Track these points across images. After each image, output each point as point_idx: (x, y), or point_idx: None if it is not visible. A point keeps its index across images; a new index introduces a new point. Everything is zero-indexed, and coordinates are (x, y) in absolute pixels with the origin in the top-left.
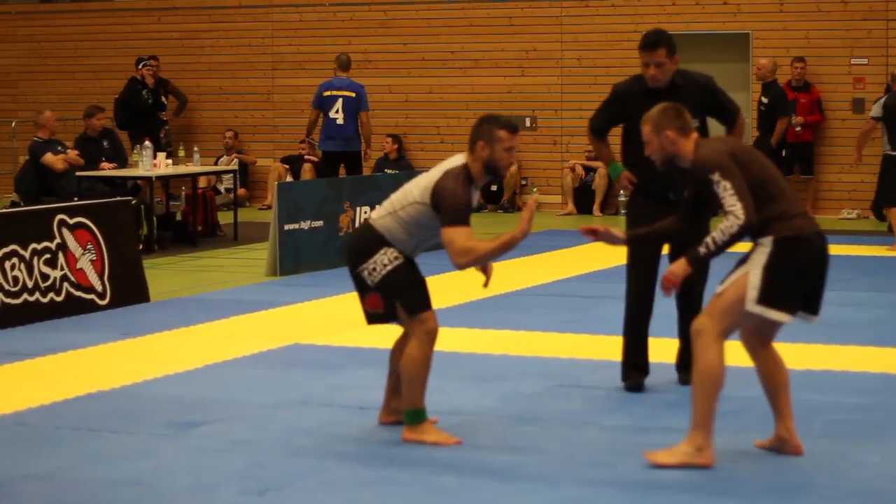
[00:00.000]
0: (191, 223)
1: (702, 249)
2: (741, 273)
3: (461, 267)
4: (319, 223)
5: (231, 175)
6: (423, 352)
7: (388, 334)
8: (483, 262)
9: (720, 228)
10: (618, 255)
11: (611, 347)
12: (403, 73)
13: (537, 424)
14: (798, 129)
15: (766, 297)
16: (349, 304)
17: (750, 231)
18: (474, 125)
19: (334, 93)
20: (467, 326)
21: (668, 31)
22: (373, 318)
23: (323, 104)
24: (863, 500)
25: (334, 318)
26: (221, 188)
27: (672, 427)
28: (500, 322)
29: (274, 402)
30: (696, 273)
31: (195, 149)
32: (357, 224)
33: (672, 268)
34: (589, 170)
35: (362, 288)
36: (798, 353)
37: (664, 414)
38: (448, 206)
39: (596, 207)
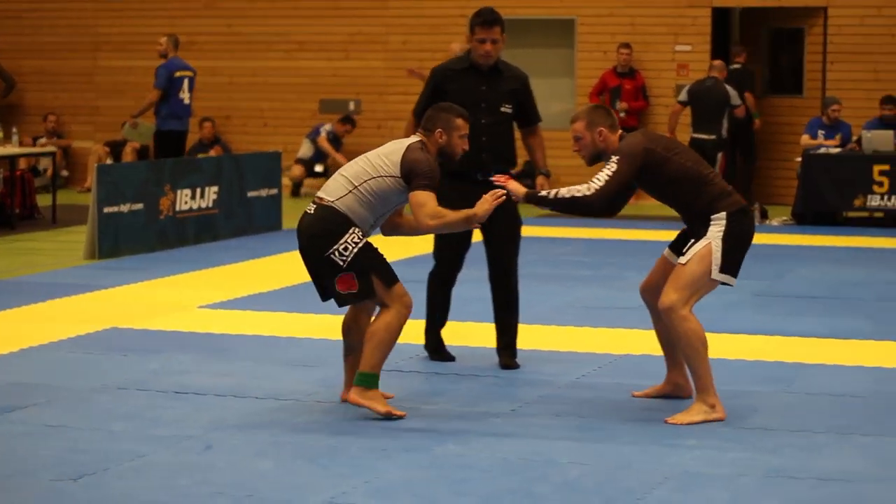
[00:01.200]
0: (8, 205)
1: (543, 193)
2: (702, 245)
3: (428, 229)
4: (140, 206)
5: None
6: (400, 322)
7: (208, 319)
8: (446, 230)
9: (571, 188)
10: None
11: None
12: (227, 55)
13: (359, 410)
14: (622, 114)
15: (726, 266)
16: (168, 287)
17: (589, 209)
18: (430, 111)
19: (182, 73)
20: (288, 311)
21: None
22: (347, 298)
23: (173, 84)
24: (680, 484)
25: (153, 301)
26: (40, 168)
27: (489, 412)
28: (321, 306)
29: (91, 386)
30: (511, 235)
31: (14, 130)
32: (176, 208)
33: (512, 183)
34: None
35: (331, 270)
36: (617, 338)
37: (483, 398)
38: (423, 172)
39: None
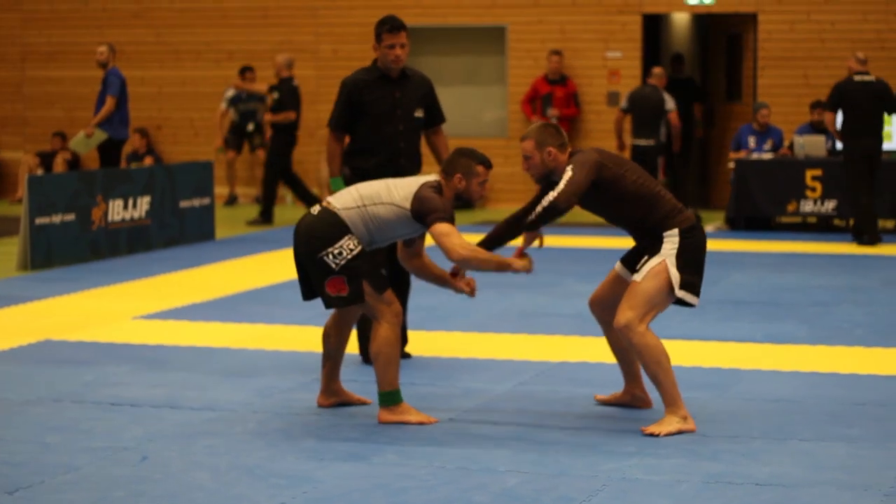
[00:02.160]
0: None
1: (530, 218)
2: (656, 262)
3: (460, 258)
4: (72, 217)
5: None
6: (394, 332)
7: (143, 330)
8: (475, 266)
9: (541, 203)
10: None
11: None
12: (156, 65)
13: (294, 419)
14: (554, 121)
15: (685, 284)
16: (102, 298)
17: (556, 209)
18: (452, 155)
19: (125, 82)
20: (222, 321)
21: (425, 24)
22: (334, 301)
23: (123, 92)
24: (619, 490)
25: (86, 313)
26: None
27: (431, 408)
28: (255, 316)
29: (24, 398)
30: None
31: None
32: (109, 218)
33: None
34: None
35: (323, 272)
36: (554, 346)
37: (420, 408)
38: (438, 207)
39: None
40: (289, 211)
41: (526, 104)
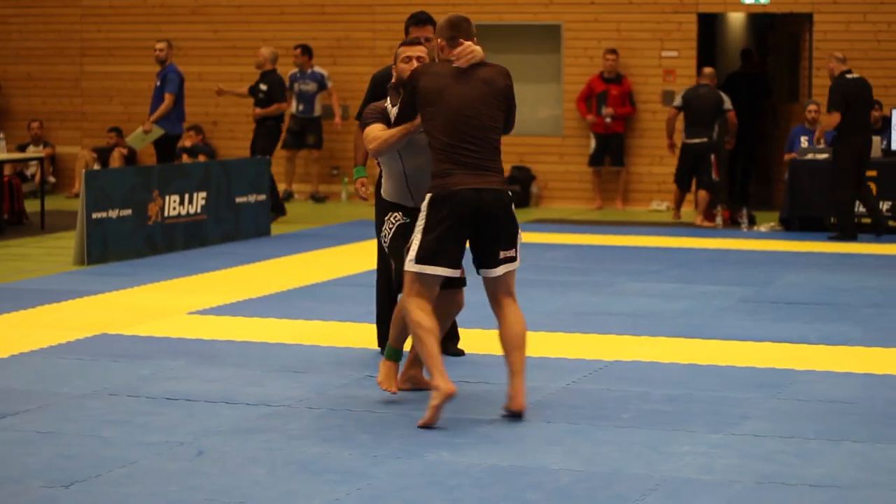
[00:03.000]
0: None
1: None
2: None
3: (372, 152)
4: (128, 212)
5: (37, 162)
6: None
7: (198, 325)
8: (387, 149)
9: None
10: None
11: None
12: (214, 60)
13: (349, 415)
14: (608, 120)
15: (420, 256)
16: (157, 293)
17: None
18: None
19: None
20: (277, 316)
21: (481, 21)
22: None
23: (181, 88)
24: (671, 490)
25: (142, 308)
26: (28, 174)
27: (481, 419)
28: (310, 312)
29: (81, 392)
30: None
31: (0, 136)
32: (165, 213)
33: None
34: None
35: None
36: (608, 344)
37: (475, 405)
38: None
39: None
40: (343, 207)
41: (581, 102)
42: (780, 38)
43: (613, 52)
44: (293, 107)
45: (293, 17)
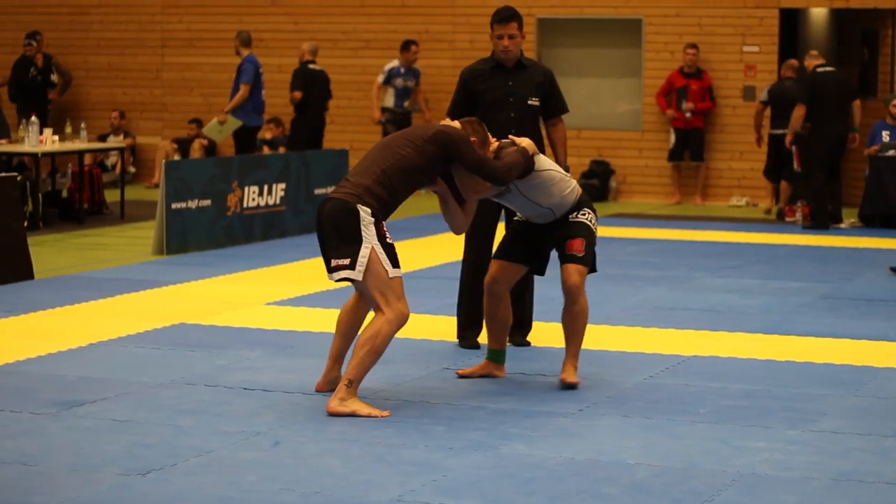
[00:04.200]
0: (77, 201)
1: None
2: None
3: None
4: (207, 202)
5: (118, 152)
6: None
7: (275, 316)
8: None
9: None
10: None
11: None
12: (294, 52)
13: (425, 407)
14: (688, 115)
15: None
16: (235, 284)
17: None
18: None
19: (260, 70)
20: None
21: (562, 15)
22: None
23: (257, 80)
24: (748, 486)
25: (220, 298)
26: (109, 163)
27: (557, 412)
28: None
29: (158, 381)
30: None
31: (82, 125)
32: (244, 204)
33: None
34: None
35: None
36: (687, 339)
37: (550, 398)
38: None
39: None
40: (423, 199)
41: (661, 97)
42: (855, 34)
43: (693, 46)
44: (390, 101)
45: (373, 9)
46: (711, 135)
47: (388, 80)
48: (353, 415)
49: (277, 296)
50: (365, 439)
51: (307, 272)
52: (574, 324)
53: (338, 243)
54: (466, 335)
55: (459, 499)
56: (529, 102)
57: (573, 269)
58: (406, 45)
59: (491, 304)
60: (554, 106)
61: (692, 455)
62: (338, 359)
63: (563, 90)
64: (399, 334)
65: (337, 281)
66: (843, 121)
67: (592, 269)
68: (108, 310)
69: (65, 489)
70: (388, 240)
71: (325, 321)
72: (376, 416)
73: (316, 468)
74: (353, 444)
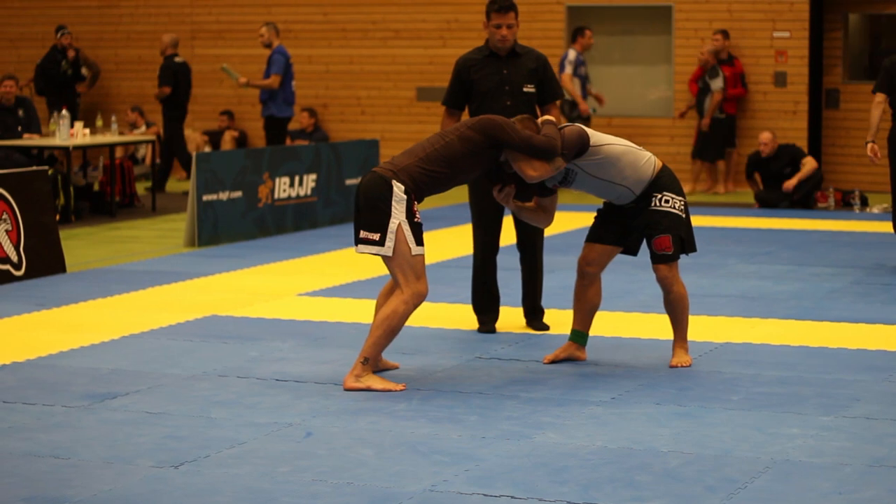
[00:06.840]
0: (108, 193)
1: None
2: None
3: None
4: (238, 194)
5: (149, 145)
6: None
7: (307, 307)
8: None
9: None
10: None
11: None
12: (324, 43)
13: (457, 396)
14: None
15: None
16: (267, 275)
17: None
18: None
19: (290, 61)
20: None
21: (592, 3)
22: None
23: (288, 71)
24: (781, 473)
25: (252, 289)
26: (139, 157)
27: (589, 400)
28: None
29: (191, 373)
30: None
31: (113, 119)
32: (275, 196)
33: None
34: None
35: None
36: (719, 326)
37: (583, 386)
38: None
39: None
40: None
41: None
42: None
43: (720, 32)
44: (578, 90)
45: None
46: (742, 121)
47: (576, 71)
48: (368, 389)
49: (309, 287)
50: (397, 430)
51: (339, 263)
52: (673, 312)
53: (368, 214)
54: (484, 320)
55: (493, 488)
56: (525, 90)
57: (662, 266)
58: (581, 31)
59: (581, 286)
60: (548, 91)
61: (725, 442)
62: None
63: (594, 78)
64: (430, 323)
65: (360, 252)
66: None
67: (692, 250)
68: (140, 302)
69: (98, 482)
70: (416, 219)
71: (358, 312)
72: (392, 390)
73: (348, 459)
74: (385, 435)
